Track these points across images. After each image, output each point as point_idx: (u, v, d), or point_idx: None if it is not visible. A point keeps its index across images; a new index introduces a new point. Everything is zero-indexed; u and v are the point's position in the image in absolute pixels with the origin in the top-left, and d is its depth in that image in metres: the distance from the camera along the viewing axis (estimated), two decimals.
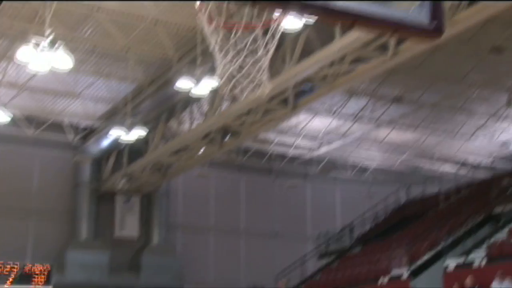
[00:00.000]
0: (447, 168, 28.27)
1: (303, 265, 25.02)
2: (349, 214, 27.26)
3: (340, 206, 29.22)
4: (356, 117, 22.63)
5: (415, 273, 18.32)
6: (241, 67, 12.44)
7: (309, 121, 23.47)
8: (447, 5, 12.00)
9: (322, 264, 25.23)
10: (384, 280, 18.82)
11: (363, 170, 29.04)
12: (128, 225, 25.50)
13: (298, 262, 24.90)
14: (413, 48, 13.57)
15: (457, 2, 12.22)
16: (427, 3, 3.91)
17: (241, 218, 27.80)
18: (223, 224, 27.19)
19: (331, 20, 5.21)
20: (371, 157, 27.63)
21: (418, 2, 3.93)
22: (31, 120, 23.39)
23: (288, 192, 28.43)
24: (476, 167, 28.02)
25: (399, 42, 13.78)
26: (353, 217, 26.82)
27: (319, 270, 24.35)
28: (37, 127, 23.62)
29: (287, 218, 28.17)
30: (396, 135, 24.73)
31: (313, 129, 24.16)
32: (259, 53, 13.04)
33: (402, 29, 3.89)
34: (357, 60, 15.20)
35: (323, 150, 25.73)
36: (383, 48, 14.35)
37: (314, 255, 26.41)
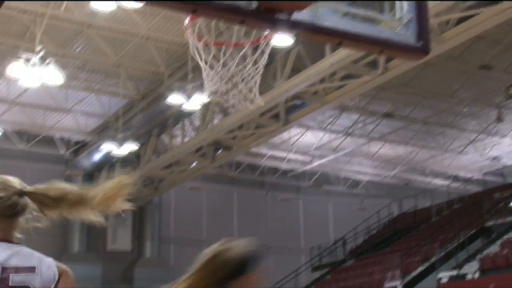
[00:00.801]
0: (439, 182, 28.35)
1: (296, 278, 24.97)
2: (342, 227, 27.26)
3: (333, 219, 29.23)
4: (348, 132, 22.70)
5: (408, 286, 18.33)
6: (231, 83, 12.52)
7: (301, 136, 23.52)
8: (435, 22, 12.11)
9: (315, 276, 25.19)
10: None
11: (356, 183, 29.08)
12: (120, 239, 25.48)
13: (291, 275, 24.85)
14: (402, 65, 13.66)
15: (445, 20, 12.31)
16: (413, 23, 3.93)
17: (234, 231, 27.76)
18: (215, 237, 26.70)
19: (319, 39, 5.24)
20: (363, 171, 27.69)
21: (404, 22, 3.95)
22: (22, 134, 23.34)
23: (280, 205, 28.43)
24: (467, 181, 28.11)
25: (388, 59, 13.88)
26: (346, 230, 26.82)
27: (313, 283, 24.32)
28: (28, 142, 23.57)
29: (280, 231, 28.15)
30: (387, 150, 24.80)
31: (305, 143, 24.20)
32: (249, 70, 13.13)
33: (388, 49, 3.92)
34: (348, 77, 15.28)
35: (316, 164, 25.77)
36: (373, 64, 14.44)
37: (308, 268, 26.37)
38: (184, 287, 2.71)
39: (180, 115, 19.31)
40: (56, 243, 24.42)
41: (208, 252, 2.75)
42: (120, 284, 24.81)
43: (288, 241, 28.18)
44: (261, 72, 12.80)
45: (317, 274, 25.29)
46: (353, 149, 24.16)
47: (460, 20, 12.25)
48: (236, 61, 12.62)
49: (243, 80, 12.54)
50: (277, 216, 28.29)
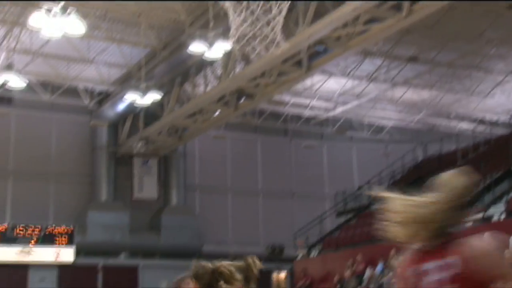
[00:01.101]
0: (465, 126, 28.06)
1: (321, 224, 25.17)
2: (366, 173, 27.26)
3: (357, 165, 29.24)
4: (371, 78, 22.42)
5: None
6: (255, 27, 12.38)
7: (323, 82, 23.31)
8: None
9: (340, 222, 25.37)
10: None
11: (380, 129, 28.92)
12: (146, 187, 25.86)
13: (316, 220, 25.07)
14: (427, 7, 13.33)
15: None
16: None
17: (259, 178, 27.97)
18: (240, 185, 27.40)
19: None
20: (387, 116, 27.47)
21: None
22: (46, 85, 23.49)
23: (304, 152, 28.47)
24: (493, 124, 27.75)
25: (413, 1, 13.55)
26: (370, 176, 26.82)
27: (338, 228, 24.51)
28: (52, 93, 23.74)
29: (304, 178, 28.28)
30: (412, 94, 24.51)
31: (328, 90, 24.01)
32: (273, 13, 12.92)
33: None
34: (371, 21, 14.98)
35: (339, 110, 25.61)
36: (397, 7, 14.11)
37: (332, 214, 26.56)
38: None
39: (202, 64, 19.22)
40: (84, 193, 24.89)
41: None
42: (148, 231, 25.29)
43: (312, 187, 28.34)
44: (284, 14, 12.64)
45: (341, 220, 25.47)
46: (376, 94, 23.93)
47: None
48: (261, 5, 12.47)
49: (267, 23, 12.39)
50: (301, 163, 28.37)
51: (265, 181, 27.97)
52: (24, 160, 24.19)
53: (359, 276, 18.67)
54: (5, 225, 22.95)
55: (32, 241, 22.93)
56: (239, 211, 27.14)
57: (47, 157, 24.60)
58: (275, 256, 26.30)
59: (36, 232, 23.00)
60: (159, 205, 25.84)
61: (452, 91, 24.21)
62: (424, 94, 24.62)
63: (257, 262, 3.96)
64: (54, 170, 24.65)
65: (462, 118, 27.50)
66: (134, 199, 25.65)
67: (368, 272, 18.59)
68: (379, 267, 18.39)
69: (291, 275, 23.44)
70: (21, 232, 22.87)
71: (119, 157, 25.25)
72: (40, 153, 24.45)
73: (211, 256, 23.85)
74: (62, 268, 23.40)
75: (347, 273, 18.91)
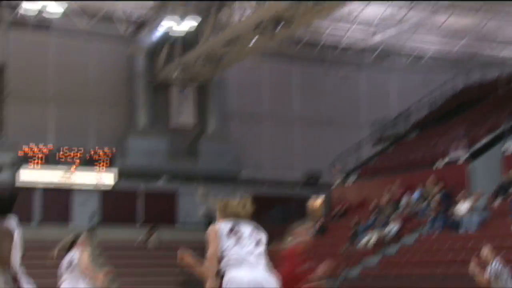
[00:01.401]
0: (508, 53, 27.28)
1: (358, 151, 25.15)
2: (404, 102, 26.91)
3: (395, 95, 28.88)
4: (412, 3, 21.77)
5: (473, 157, 18.16)
6: None
7: (362, 9, 22.76)
8: None
9: (377, 150, 25.30)
10: (440, 164, 18.80)
11: (419, 58, 28.33)
12: (184, 114, 26.13)
13: (353, 148, 25.06)
14: None
15: None
16: None
17: (295, 106, 27.92)
18: (277, 112, 27.43)
19: None
20: (428, 43, 26.84)
21: None
22: (83, 12, 23.50)
23: (341, 81, 28.18)
24: None
25: None
26: (408, 105, 26.47)
27: (375, 156, 24.47)
28: (90, 20, 23.77)
29: (341, 106, 28.12)
30: (455, 20, 23.79)
31: (367, 16, 23.48)
32: None
33: None
34: None
35: (378, 38, 25.10)
36: None
37: (369, 141, 26.46)
38: None
39: None
40: (123, 119, 25.32)
41: None
42: (185, 157, 25.72)
43: (349, 116, 28.21)
44: None
45: (379, 148, 25.39)
46: (417, 20, 23.31)
47: None
48: None
49: None
50: (338, 91, 28.14)
51: (301, 108, 27.93)
52: (63, 87, 24.58)
53: (396, 202, 18.77)
54: (49, 147, 23.67)
55: (75, 165, 23.64)
56: (276, 138, 27.29)
57: (85, 84, 24.94)
58: (312, 182, 26.56)
59: (78, 155, 23.70)
60: (196, 131, 26.17)
61: (497, 17, 23.42)
62: (467, 20, 23.89)
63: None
64: (93, 97, 25.03)
65: (505, 45, 26.71)
66: (171, 125, 26.00)
67: (405, 199, 18.68)
68: (416, 194, 18.45)
69: (327, 202, 23.67)
70: (64, 155, 23.59)
71: (156, 85, 25.47)
72: (79, 80, 24.77)
73: (249, 182, 24.13)
74: (103, 192, 24.11)
75: (384, 200, 19.03)
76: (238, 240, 4.47)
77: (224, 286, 4.35)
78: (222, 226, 4.56)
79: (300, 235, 6.73)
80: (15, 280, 4.37)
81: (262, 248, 4.55)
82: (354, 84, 28.54)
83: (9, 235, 4.40)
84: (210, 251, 4.44)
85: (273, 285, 4.40)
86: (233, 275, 4.36)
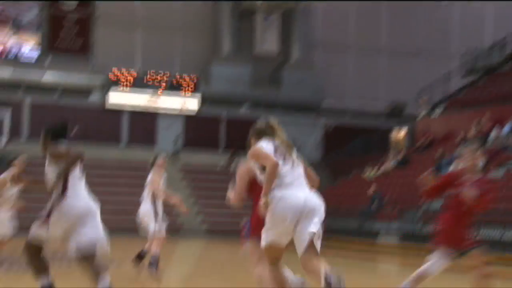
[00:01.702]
0: None
1: (446, 83, 24.25)
2: (500, 31, 25.47)
3: (490, 22, 27.41)
4: None
5: None
6: None
7: None
8: None
9: (467, 81, 24.31)
10: None
11: None
12: (268, 41, 25.90)
13: (441, 79, 24.17)
14: None
15: None
16: None
17: (382, 36, 27.09)
18: (363, 42, 26.72)
19: None
20: None
21: None
22: None
23: (432, 8, 26.95)
24: None
25: None
26: (504, 34, 25.05)
27: (464, 87, 23.54)
28: None
29: (431, 36, 27.03)
30: None
31: None
32: None
33: None
34: None
35: None
36: None
37: (459, 73, 25.42)
38: None
39: None
40: (207, 45, 25.39)
41: None
42: (268, 86, 25.65)
43: (439, 46, 27.13)
44: None
45: (469, 79, 24.36)
46: None
47: None
48: None
49: None
50: (428, 20, 27.00)
51: (389, 38, 27.06)
52: (151, 12, 24.83)
53: (484, 136, 18.09)
54: (137, 70, 24.20)
55: (161, 88, 24.14)
56: (361, 68, 26.70)
57: (172, 10, 25.05)
58: (396, 113, 25.98)
59: (165, 79, 24.15)
60: (279, 59, 25.94)
61: None
62: None
63: None
64: (179, 23, 25.17)
65: None
66: (255, 53, 25.88)
67: (494, 132, 17.96)
68: (507, 127, 17.69)
69: (411, 134, 23.14)
70: (152, 78, 24.10)
71: (241, 12, 25.28)
72: (166, 6, 24.88)
73: (331, 111, 23.84)
74: (188, 117, 24.55)
75: (471, 133, 18.37)
76: (285, 160, 4.41)
77: (276, 203, 4.29)
78: (265, 144, 4.50)
79: (467, 160, 5.68)
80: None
81: (302, 168, 4.49)
82: (446, 11, 27.26)
83: (67, 156, 4.84)
84: (270, 163, 4.31)
85: (323, 207, 4.38)
86: (288, 192, 4.30)
